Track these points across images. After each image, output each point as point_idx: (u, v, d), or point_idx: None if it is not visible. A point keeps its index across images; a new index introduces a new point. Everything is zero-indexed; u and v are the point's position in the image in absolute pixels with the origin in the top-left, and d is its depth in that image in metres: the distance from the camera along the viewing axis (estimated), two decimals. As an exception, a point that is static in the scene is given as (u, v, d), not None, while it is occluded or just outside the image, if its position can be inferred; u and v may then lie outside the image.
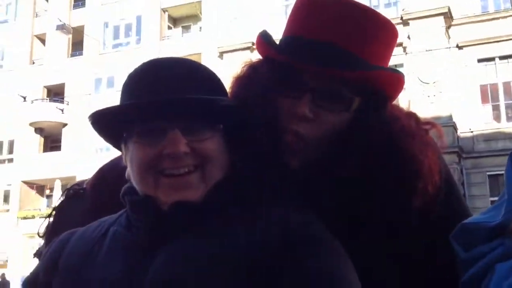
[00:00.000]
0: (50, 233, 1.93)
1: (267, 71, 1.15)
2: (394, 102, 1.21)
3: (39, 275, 1.10)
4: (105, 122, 1.05)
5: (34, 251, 2.07)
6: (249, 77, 1.19)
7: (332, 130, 1.10)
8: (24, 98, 23.91)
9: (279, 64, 1.12)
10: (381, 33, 1.13)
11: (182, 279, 0.92)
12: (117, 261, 1.00)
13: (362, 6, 1.11)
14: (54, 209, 2.05)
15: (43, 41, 28.23)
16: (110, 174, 1.54)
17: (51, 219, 2.04)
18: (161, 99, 0.98)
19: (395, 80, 1.13)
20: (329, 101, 1.08)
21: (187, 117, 0.99)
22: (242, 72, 1.23)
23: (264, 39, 1.17)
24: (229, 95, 1.17)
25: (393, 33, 1.16)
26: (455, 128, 17.50)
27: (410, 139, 1.10)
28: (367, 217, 1.09)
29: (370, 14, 1.11)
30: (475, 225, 1.02)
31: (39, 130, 26.99)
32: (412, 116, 1.18)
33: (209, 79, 1.08)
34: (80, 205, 1.66)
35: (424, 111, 16.43)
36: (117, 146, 1.12)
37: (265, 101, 1.11)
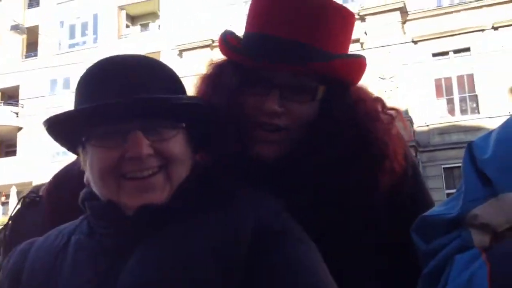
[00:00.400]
0: (7, 243, 1.88)
1: (232, 71, 1.17)
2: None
3: None
4: (62, 127, 1.01)
5: None
6: (216, 77, 1.21)
7: (302, 119, 1.14)
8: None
9: (242, 65, 1.15)
10: (339, 21, 1.16)
11: (154, 283, 0.90)
12: (85, 271, 0.97)
13: None
14: (10, 218, 1.99)
15: (-5, 42, 27.41)
16: (65, 180, 1.51)
17: (7, 228, 1.98)
18: (120, 100, 0.94)
19: (357, 65, 1.19)
20: (295, 94, 1.13)
21: (148, 117, 0.97)
22: (209, 71, 1.24)
23: (225, 44, 1.19)
24: (195, 93, 1.18)
25: (350, 19, 1.20)
26: (411, 122, 17.87)
27: (374, 122, 1.15)
28: (340, 203, 1.12)
29: (327, 4, 1.14)
30: (434, 217, 1.04)
31: (-7, 134, 26.25)
32: (378, 100, 1.22)
33: (168, 77, 1.06)
34: (37, 213, 1.62)
35: (382, 106, 16.66)
36: (74, 151, 1.08)
37: (233, 101, 1.13)
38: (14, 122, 25.38)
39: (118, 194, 0.97)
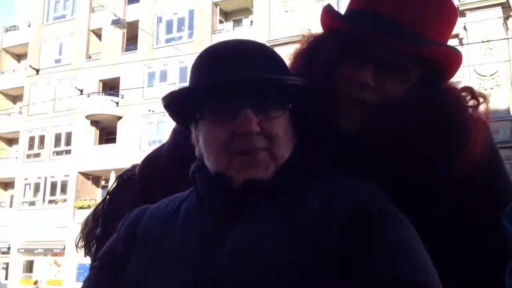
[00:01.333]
0: (104, 215, 2.04)
1: (331, 41, 1.19)
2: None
3: (117, 247, 1.12)
4: (178, 103, 1.09)
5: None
6: (314, 49, 1.23)
7: (391, 98, 1.14)
8: (81, 91, 24.60)
9: (344, 34, 1.17)
10: (442, 10, 1.17)
11: (259, 250, 0.95)
12: (193, 235, 1.03)
13: None
14: (108, 193, 2.14)
15: (99, 36, 29.03)
16: (155, 161, 1.59)
17: (105, 202, 2.14)
18: (232, 79, 1.00)
19: (453, 57, 1.19)
20: (390, 71, 1.13)
21: (258, 96, 1.02)
22: (305, 44, 1.27)
23: (331, 10, 1.22)
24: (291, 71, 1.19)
25: (454, 11, 1.20)
26: (512, 122, 16.90)
27: (463, 110, 1.16)
28: (415, 182, 1.12)
29: None
30: None
31: (95, 122, 27.75)
32: (467, 89, 1.23)
33: (276, 59, 1.11)
34: (131, 189, 1.71)
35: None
36: (186, 127, 1.15)
37: (330, 71, 1.15)
38: (114, 111, 26.69)
39: (228, 168, 1.03)
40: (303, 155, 1.08)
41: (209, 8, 25.58)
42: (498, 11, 17.56)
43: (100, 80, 28.00)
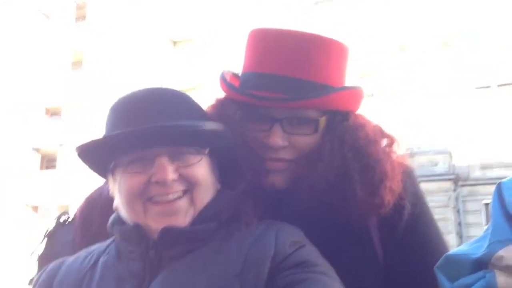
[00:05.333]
0: (42, 260, 1.95)
1: (234, 109, 1.21)
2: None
3: None
4: (91, 154, 1.07)
5: None
6: (219, 114, 1.23)
7: (306, 150, 1.18)
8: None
9: (245, 103, 1.19)
10: (334, 56, 1.21)
11: None
12: None
13: (310, 35, 1.18)
14: (45, 235, 2.06)
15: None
16: (96, 203, 1.56)
17: (42, 245, 2.05)
18: (145, 127, 0.99)
19: (356, 95, 1.24)
20: (298, 127, 1.17)
21: (173, 143, 1.01)
22: (210, 108, 1.27)
23: (224, 82, 1.24)
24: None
25: (344, 52, 1.23)
26: (450, 156, 17.53)
27: (374, 145, 1.19)
28: (344, 223, 1.14)
29: (320, 41, 1.18)
30: (459, 256, 1.03)
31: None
32: (376, 127, 1.26)
33: (192, 106, 1.11)
34: (68, 230, 1.67)
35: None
36: (104, 176, 1.13)
37: (238, 134, 1.16)
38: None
39: (145, 217, 1.02)
40: (226, 201, 1.08)
41: None
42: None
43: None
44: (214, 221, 1.05)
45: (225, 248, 1.00)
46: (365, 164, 1.16)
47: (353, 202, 1.13)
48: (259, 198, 1.15)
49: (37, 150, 23.84)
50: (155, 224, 1.01)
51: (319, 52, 1.18)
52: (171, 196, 1.01)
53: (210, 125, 1.07)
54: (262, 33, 1.22)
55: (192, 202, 1.03)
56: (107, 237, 1.16)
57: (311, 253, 1.01)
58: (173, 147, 1.02)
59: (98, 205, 1.53)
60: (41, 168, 24.04)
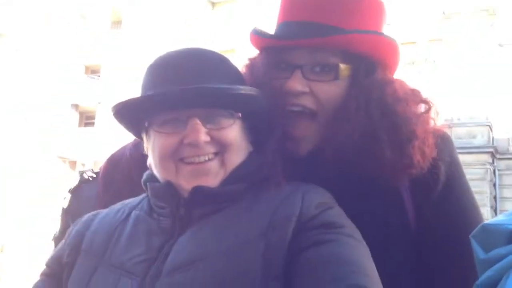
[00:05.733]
0: (66, 214, 2.01)
1: (261, 60, 1.23)
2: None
3: (63, 255, 1.12)
4: (127, 113, 1.08)
5: None
6: (249, 71, 1.26)
7: (329, 100, 1.16)
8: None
9: (269, 50, 1.20)
10: (365, 4, 1.19)
11: (198, 261, 0.94)
12: (139, 245, 1.03)
13: None
14: (69, 191, 2.12)
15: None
16: (117, 163, 1.61)
17: (67, 200, 2.11)
18: (181, 88, 1.00)
19: (380, 43, 1.19)
20: (318, 73, 1.16)
21: (207, 105, 1.02)
22: (246, 66, 1.29)
23: (254, 33, 1.24)
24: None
25: (376, 2, 1.21)
26: (490, 128, 17.13)
27: (403, 103, 1.15)
28: (368, 187, 1.13)
29: None
30: (496, 226, 1.01)
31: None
32: (415, 90, 1.22)
33: (229, 68, 1.11)
34: (92, 187, 1.72)
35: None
36: (138, 135, 1.15)
37: (266, 87, 1.16)
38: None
39: (176, 177, 1.04)
40: (256, 164, 1.09)
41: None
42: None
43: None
44: (244, 183, 1.06)
45: (253, 208, 1.01)
46: (392, 122, 1.13)
47: (381, 163, 1.11)
48: (286, 164, 1.15)
49: (76, 107, 24.34)
50: (187, 183, 1.02)
51: (353, 1, 1.17)
52: (202, 158, 1.02)
53: (246, 89, 1.07)
54: None
55: (223, 164, 1.04)
56: (128, 196, 1.20)
57: (338, 215, 1.01)
58: (206, 109, 1.03)
59: (120, 165, 1.58)
60: (80, 125, 24.57)
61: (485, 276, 0.95)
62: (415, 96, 1.20)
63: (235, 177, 1.05)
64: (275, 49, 1.19)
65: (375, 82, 1.16)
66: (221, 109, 1.04)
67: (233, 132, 1.05)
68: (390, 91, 1.16)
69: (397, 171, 1.12)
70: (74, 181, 2.11)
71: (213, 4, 23.13)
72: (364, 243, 0.98)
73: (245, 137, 1.10)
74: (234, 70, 1.13)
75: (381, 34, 1.21)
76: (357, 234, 0.99)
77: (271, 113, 1.14)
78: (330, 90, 1.16)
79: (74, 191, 2.06)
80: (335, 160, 1.12)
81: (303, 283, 0.89)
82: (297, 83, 1.14)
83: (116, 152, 1.67)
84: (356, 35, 1.15)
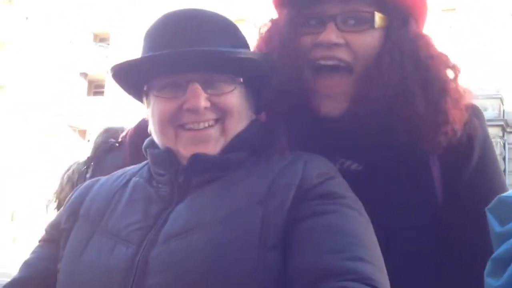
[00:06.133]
0: None
1: (286, 17, 1.17)
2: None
3: (61, 221, 1.10)
4: (126, 75, 1.05)
5: None
6: (270, 30, 1.21)
7: (365, 52, 1.11)
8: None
9: (294, 4, 1.14)
10: None
11: (194, 228, 0.92)
12: (136, 211, 1.01)
13: None
14: (91, 160, 2.11)
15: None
16: (144, 130, 1.60)
17: (90, 170, 2.11)
18: (180, 51, 0.96)
19: None
20: (352, 23, 1.10)
21: (207, 69, 0.99)
22: (264, 29, 1.24)
23: None
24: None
25: None
26: (501, 100, 16.97)
27: (435, 59, 1.12)
28: (397, 146, 1.10)
29: None
30: None
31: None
32: (443, 55, 1.17)
33: (233, 31, 1.07)
34: (117, 157, 1.71)
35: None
36: (140, 99, 1.12)
37: (291, 45, 1.12)
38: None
39: (176, 143, 1.01)
40: (257, 131, 1.07)
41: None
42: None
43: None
44: (245, 150, 1.04)
45: (252, 175, 0.99)
46: (425, 77, 1.09)
47: (416, 120, 1.08)
48: (304, 126, 1.13)
49: (85, 75, 24.31)
50: (185, 150, 1.00)
51: None
52: (202, 125, 0.99)
53: (248, 53, 1.04)
54: None
55: (223, 131, 1.01)
56: None
57: (340, 185, 0.99)
58: (206, 73, 0.99)
59: (145, 132, 1.57)
60: (88, 94, 24.58)
61: (501, 249, 0.94)
62: (445, 58, 1.16)
63: (236, 144, 1.03)
64: (302, 3, 1.13)
65: (409, 35, 1.12)
66: (222, 74, 1.01)
67: (235, 97, 1.02)
68: (423, 45, 1.13)
69: (432, 129, 1.09)
70: (93, 150, 2.10)
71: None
72: (366, 215, 0.96)
73: (247, 104, 1.07)
74: (238, 33, 1.08)
75: None
76: (359, 206, 0.97)
77: (286, 77, 1.11)
78: (366, 41, 1.10)
79: (98, 160, 2.05)
80: (369, 121, 1.09)
81: (301, 253, 0.87)
82: (332, 35, 1.08)
83: (142, 121, 1.65)
84: None
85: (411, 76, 1.09)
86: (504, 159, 16.96)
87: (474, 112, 1.17)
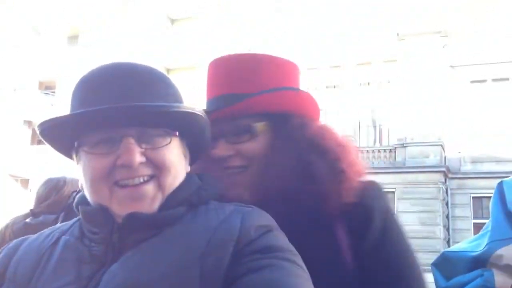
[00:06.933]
0: None
1: None
2: None
3: None
4: (55, 132, 1.01)
5: None
6: None
7: (255, 155, 1.27)
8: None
9: None
10: (273, 70, 1.33)
11: (131, 287, 0.89)
12: (68, 273, 0.96)
13: (248, 56, 1.35)
14: (62, 210, 2.05)
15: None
16: None
17: (59, 219, 2.05)
18: (114, 106, 0.94)
19: (294, 97, 1.30)
20: (239, 136, 1.28)
21: (141, 124, 0.97)
22: None
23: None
24: None
25: (285, 66, 1.36)
26: (442, 148, 17.61)
27: (326, 137, 1.27)
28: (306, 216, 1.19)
29: (259, 59, 1.34)
30: (457, 254, 1.02)
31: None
32: (334, 132, 1.33)
33: (163, 84, 1.05)
34: None
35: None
36: (69, 156, 1.08)
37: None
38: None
39: (110, 201, 0.98)
40: (194, 186, 1.06)
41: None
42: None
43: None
44: (183, 206, 1.02)
45: (190, 231, 0.97)
46: (319, 151, 1.24)
47: (317, 187, 1.19)
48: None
49: (29, 123, 23.71)
50: (120, 208, 0.96)
51: (256, 69, 1.32)
52: (137, 180, 0.96)
53: (181, 107, 1.02)
54: (212, 63, 1.38)
55: (159, 187, 0.99)
56: None
57: (278, 238, 0.97)
58: (140, 128, 0.97)
59: None
60: (32, 142, 23.91)
61: None
62: (334, 137, 1.31)
63: (173, 201, 1.00)
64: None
65: (294, 126, 1.29)
66: (157, 128, 0.99)
67: (170, 152, 1.00)
68: (310, 130, 1.29)
69: (333, 190, 1.19)
70: (40, 201, 2.01)
71: (173, 21, 23.10)
72: (304, 267, 0.95)
73: (183, 157, 1.06)
74: (170, 87, 1.07)
75: (294, 89, 1.33)
76: (297, 258, 0.95)
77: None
78: (253, 147, 1.27)
79: (67, 211, 1.98)
80: (278, 203, 1.16)
81: None
82: (221, 150, 1.27)
83: None
84: (266, 95, 1.27)
85: (305, 152, 1.24)
86: (447, 204, 17.46)
87: (373, 186, 1.28)
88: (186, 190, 1.03)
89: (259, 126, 1.28)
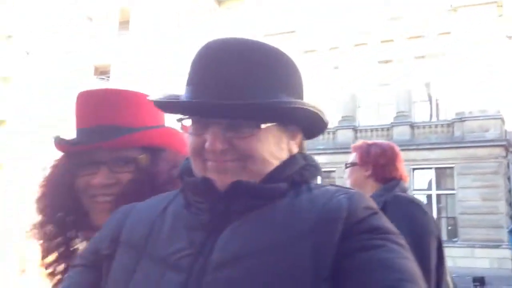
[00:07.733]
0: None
1: (63, 162, 1.46)
2: None
3: (102, 247, 1.10)
4: (162, 106, 1.11)
5: None
6: (53, 173, 1.48)
7: (133, 184, 1.37)
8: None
9: (72, 154, 1.44)
10: (133, 101, 1.44)
11: (246, 258, 0.92)
12: (181, 239, 1.01)
13: (112, 91, 1.45)
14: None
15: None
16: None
17: None
18: (215, 103, 0.99)
19: (162, 135, 1.45)
20: (122, 166, 1.38)
21: (234, 118, 1.01)
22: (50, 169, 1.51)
23: (59, 142, 1.45)
24: None
25: (130, 97, 1.45)
26: (503, 121, 17.00)
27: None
28: None
29: (124, 94, 1.45)
30: None
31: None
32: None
33: (266, 73, 1.04)
34: None
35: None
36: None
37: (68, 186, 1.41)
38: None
39: (205, 173, 1.03)
40: (298, 166, 1.08)
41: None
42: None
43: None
44: (285, 182, 1.04)
45: (297, 205, 0.99)
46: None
47: None
48: None
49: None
50: (217, 179, 1.02)
51: (123, 103, 1.42)
52: (221, 161, 1.02)
53: (282, 103, 1.02)
54: (79, 96, 1.47)
55: (244, 169, 1.02)
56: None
57: (386, 221, 1.00)
58: (230, 118, 1.01)
59: None
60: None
61: None
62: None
63: (275, 177, 1.03)
64: (79, 152, 1.41)
65: (160, 164, 1.40)
66: (244, 120, 1.01)
67: (255, 141, 1.02)
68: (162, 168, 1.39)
69: None
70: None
71: (220, 2, 23.15)
72: (410, 251, 0.97)
73: (284, 141, 1.07)
74: (281, 75, 1.06)
75: (161, 126, 1.47)
76: (403, 241, 0.97)
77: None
78: (130, 177, 1.38)
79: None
80: None
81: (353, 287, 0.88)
82: (102, 178, 1.36)
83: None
84: (143, 133, 1.40)
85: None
86: (509, 178, 16.90)
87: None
88: (289, 168, 1.06)
89: (143, 158, 1.40)
